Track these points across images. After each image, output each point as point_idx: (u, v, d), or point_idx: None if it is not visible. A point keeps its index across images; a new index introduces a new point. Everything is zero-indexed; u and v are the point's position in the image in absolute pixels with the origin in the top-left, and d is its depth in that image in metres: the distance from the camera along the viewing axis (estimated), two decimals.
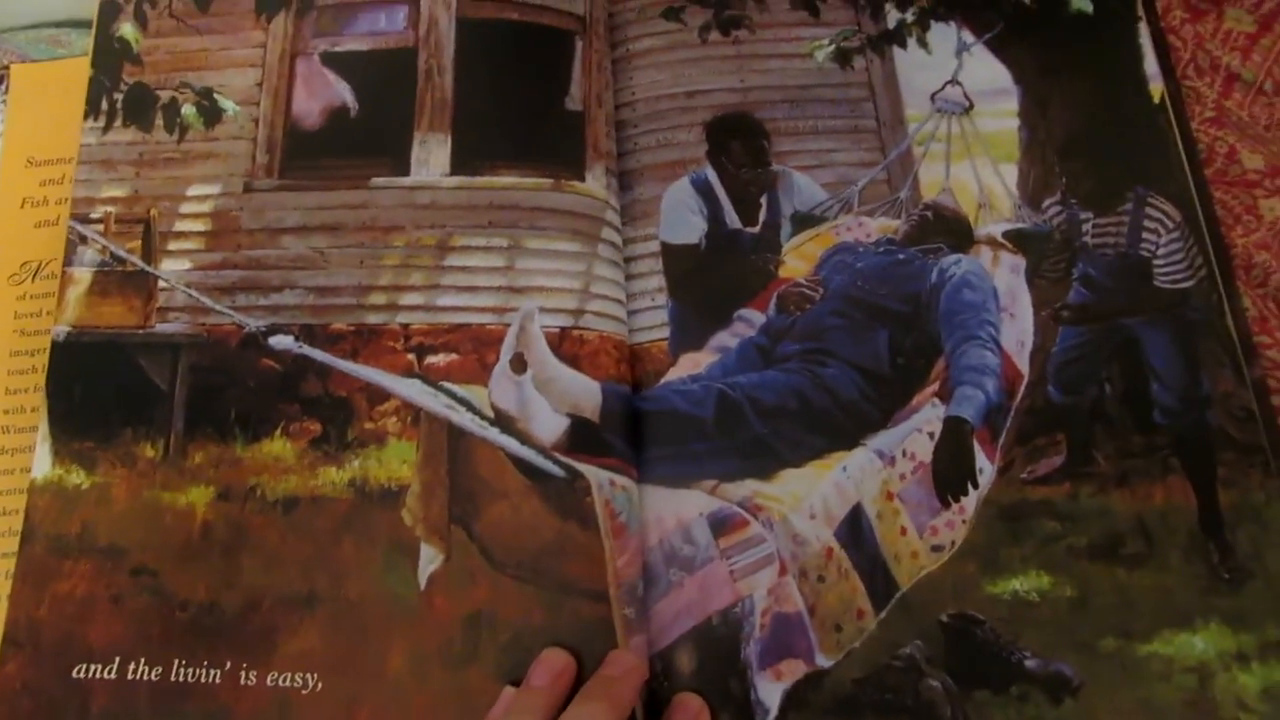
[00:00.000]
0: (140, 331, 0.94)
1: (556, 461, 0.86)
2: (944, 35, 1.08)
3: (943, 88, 1.06)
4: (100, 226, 0.97)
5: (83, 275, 0.95)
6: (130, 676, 0.81)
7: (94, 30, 1.02)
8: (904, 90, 1.07)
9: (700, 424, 0.90)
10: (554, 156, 1.00)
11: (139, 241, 0.96)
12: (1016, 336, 0.96)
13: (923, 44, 1.08)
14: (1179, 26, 1.08)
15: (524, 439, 0.87)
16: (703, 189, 1.04)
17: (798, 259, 1.04)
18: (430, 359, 0.94)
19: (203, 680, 0.81)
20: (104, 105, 1.00)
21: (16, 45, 1.11)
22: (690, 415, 0.91)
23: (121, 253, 0.95)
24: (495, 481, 0.87)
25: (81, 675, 0.81)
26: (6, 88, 1.08)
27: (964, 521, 0.89)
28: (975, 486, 0.89)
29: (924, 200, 1.04)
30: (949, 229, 1.03)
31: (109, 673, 0.81)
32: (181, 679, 0.81)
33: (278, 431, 0.91)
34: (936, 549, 0.88)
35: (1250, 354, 0.94)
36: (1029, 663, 0.83)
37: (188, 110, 1.00)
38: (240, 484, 0.88)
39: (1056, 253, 1.00)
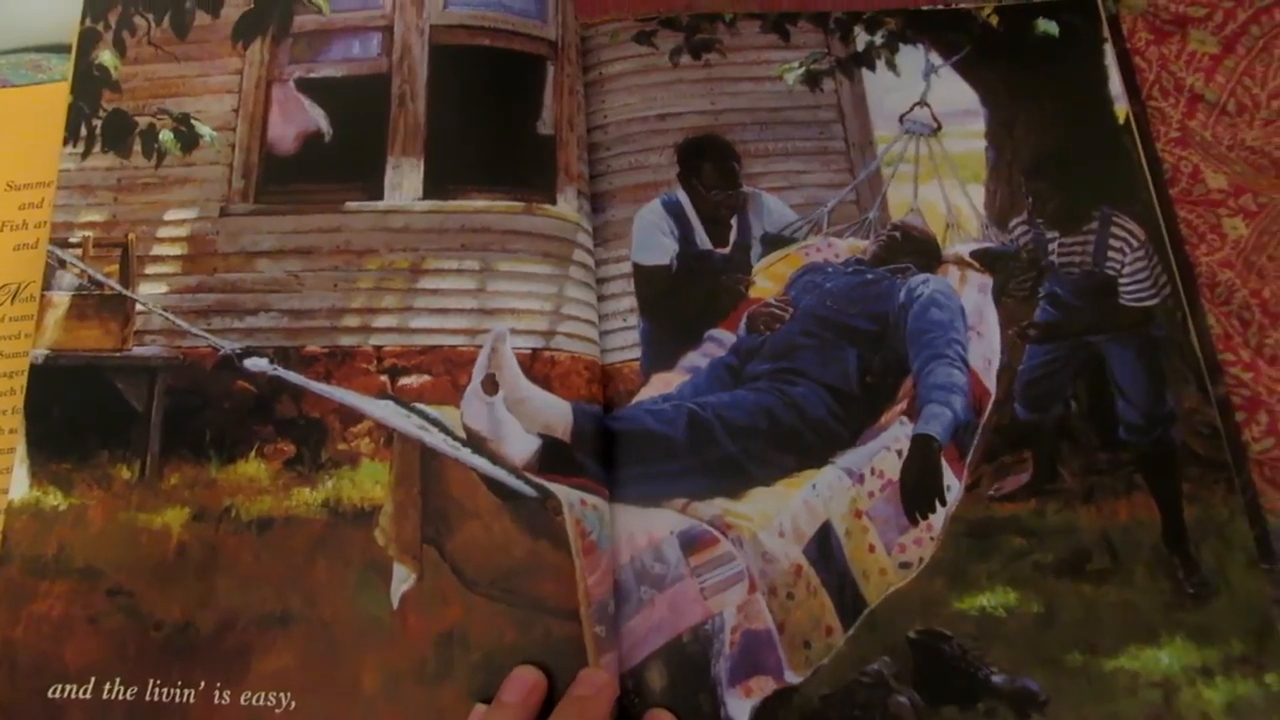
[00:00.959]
0: (117, 354, 0.95)
1: (528, 481, 0.87)
2: (912, 58, 1.09)
3: (911, 109, 1.07)
4: (79, 251, 0.97)
5: (61, 299, 0.96)
6: (105, 696, 0.81)
7: (73, 57, 1.03)
8: (873, 112, 1.08)
9: (671, 443, 0.91)
10: (525, 180, 1.01)
11: (117, 265, 0.97)
12: (984, 355, 0.97)
13: (891, 66, 1.09)
14: (1144, 48, 1.09)
15: (496, 459, 0.88)
16: (674, 211, 1.05)
17: (768, 279, 1.05)
18: (403, 380, 0.95)
19: (177, 700, 0.81)
20: (83, 131, 1.01)
21: None
22: (661, 434, 0.92)
23: (99, 276, 0.96)
24: (467, 501, 0.88)
25: (57, 695, 0.81)
26: None
27: (932, 538, 0.89)
28: (943, 504, 0.90)
29: (892, 220, 1.05)
30: (917, 249, 1.04)
31: (84, 693, 0.81)
32: (156, 699, 0.81)
33: (252, 453, 0.91)
34: (904, 566, 0.88)
35: (1214, 371, 0.95)
36: (996, 678, 0.84)
37: (165, 136, 1.01)
38: (215, 505, 0.88)
39: (1023, 272, 1.01)
